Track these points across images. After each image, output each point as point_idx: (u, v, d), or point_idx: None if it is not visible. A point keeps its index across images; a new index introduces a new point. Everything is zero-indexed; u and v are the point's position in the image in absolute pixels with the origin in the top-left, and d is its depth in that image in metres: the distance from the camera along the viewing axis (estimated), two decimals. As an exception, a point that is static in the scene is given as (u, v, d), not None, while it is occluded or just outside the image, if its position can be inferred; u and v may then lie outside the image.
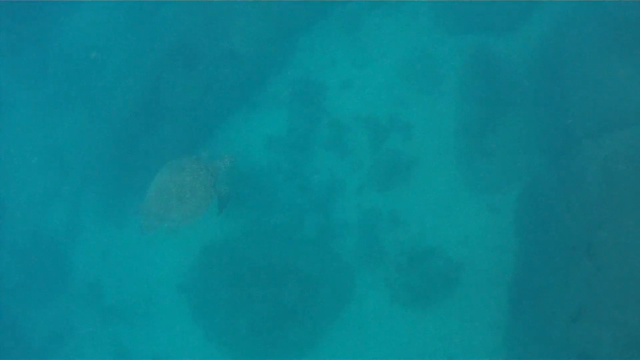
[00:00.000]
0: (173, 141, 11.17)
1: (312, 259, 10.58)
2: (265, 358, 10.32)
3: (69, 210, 12.24)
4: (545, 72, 10.56)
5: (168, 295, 11.04)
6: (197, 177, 9.59)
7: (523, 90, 10.61)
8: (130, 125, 11.69)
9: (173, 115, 11.31)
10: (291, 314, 10.27)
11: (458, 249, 10.18)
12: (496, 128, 10.53)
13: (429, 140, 10.75)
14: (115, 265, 11.68)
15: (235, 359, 10.40)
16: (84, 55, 12.43)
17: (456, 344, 9.74)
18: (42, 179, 12.55)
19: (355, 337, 10.13)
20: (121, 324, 11.27)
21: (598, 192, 8.95)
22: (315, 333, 10.24)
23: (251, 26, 11.45)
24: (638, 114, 9.41)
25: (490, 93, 10.71)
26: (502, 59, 10.86)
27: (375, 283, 10.28)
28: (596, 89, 9.94)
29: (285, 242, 10.77)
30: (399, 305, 10.13)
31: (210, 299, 10.87)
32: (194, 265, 10.93)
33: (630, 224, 8.56)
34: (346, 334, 10.14)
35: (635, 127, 9.18)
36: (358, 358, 10.09)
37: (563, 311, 8.87)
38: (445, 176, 10.60)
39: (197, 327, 10.71)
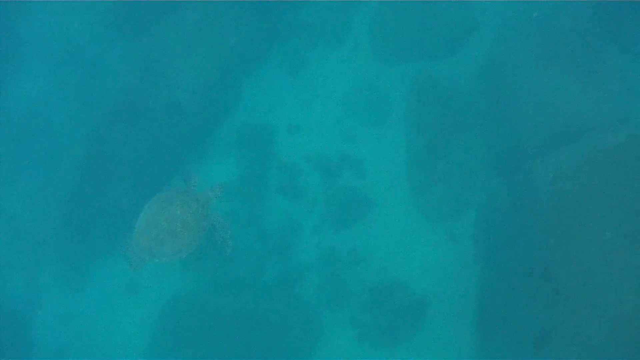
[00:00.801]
0: (123, 199, 10.94)
1: (276, 306, 10.38)
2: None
3: (28, 278, 11.93)
4: (489, 92, 10.56)
5: (135, 357, 10.73)
6: (188, 209, 9.27)
7: (470, 112, 10.57)
8: (80, 187, 11.47)
9: (120, 173, 11.11)
10: (260, 364, 10.05)
11: (421, 281, 10.02)
12: (447, 154, 10.47)
13: (382, 174, 10.65)
14: (79, 331, 11.37)
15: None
16: (27, 117, 12.24)
17: (427, 379, 9.55)
18: (-2, 249, 12.28)
19: (327, 381, 9.91)
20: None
21: (549, 212, 8.88)
22: (285, 380, 10.01)
23: (193, 75, 11.36)
24: (580, 128, 9.36)
25: (437, 119, 10.67)
26: (445, 84, 10.84)
27: (342, 324, 10.06)
28: (540, 104, 9.97)
29: (247, 290, 10.56)
30: (368, 345, 9.93)
31: (179, 356, 10.57)
32: (158, 322, 10.67)
33: (582, 242, 8.47)
34: (317, 379, 9.92)
35: (578, 142, 9.15)
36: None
37: (528, 336, 8.70)
38: (401, 208, 10.47)
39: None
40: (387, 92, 11.04)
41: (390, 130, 10.83)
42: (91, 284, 11.35)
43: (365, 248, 10.45)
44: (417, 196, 10.49)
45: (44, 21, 12.76)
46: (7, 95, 12.95)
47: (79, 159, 11.72)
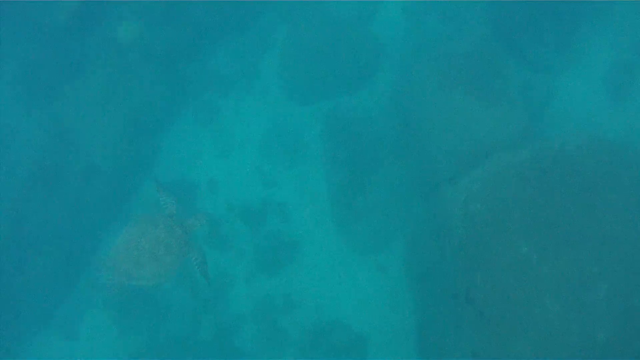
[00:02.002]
0: (44, 273, 10.65)
1: (215, 360, 10.17)
2: None
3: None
4: (400, 121, 10.77)
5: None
6: (172, 233, 8.86)
7: (384, 144, 10.74)
8: None
9: (40, 243, 10.83)
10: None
11: (357, 316, 10.04)
12: (367, 187, 10.59)
13: (306, 214, 10.68)
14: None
15: None
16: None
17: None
18: None
19: None
20: None
21: (464, 235, 9.01)
22: None
23: (108, 135, 11.22)
24: (487, 148, 9.59)
25: (354, 154, 10.81)
26: (358, 117, 11.03)
27: (283, 372, 9.94)
28: (447, 128, 10.22)
29: (185, 348, 10.31)
30: (311, 389, 9.81)
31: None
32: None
33: (499, 261, 8.62)
34: None
35: (485, 163, 9.33)
36: None
37: (462, 361, 8.77)
38: (329, 246, 10.52)
39: None
40: (302, 133, 11.12)
41: (309, 170, 10.91)
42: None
43: (298, 291, 10.43)
44: (342, 232, 10.54)
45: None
46: None
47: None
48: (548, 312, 8.40)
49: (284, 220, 10.67)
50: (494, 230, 8.86)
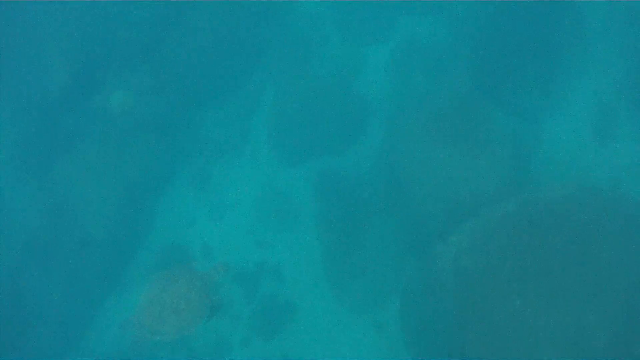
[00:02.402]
0: (42, 344, 10.65)
1: None
2: None
3: None
4: (390, 178, 10.92)
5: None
6: (192, 287, 9.21)
7: (375, 201, 10.86)
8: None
9: (40, 314, 10.87)
10: None
11: (355, 376, 9.93)
12: (360, 246, 10.67)
13: (301, 276, 10.75)
14: None
15: None
16: None
17: None
18: None
19: None
20: None
21: (457, 292, 9.02)
22: None
23: (103, 205, 11.38)
24: (475, 201, 9.69)
25: (345, 213, 10.89)
26: (348, 176, 11.18)
27: None
28: (436, 183, 10.37)
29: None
30: None
31: None
32: None
33: (493, 316, 8.61)
34: None
35: (474, 217, 9.43)
36: None
37: (462, 421, 8.66)
38: (325, 307, 10.53)
39: None
40: (294, 194, 11.27)
41: (302, 231, 11.00)
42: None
43: (296, 352, 10.40)
44: (338, 292, 10.57)
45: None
46: None
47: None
48: (546, 365, 8.33)
49: (278, 283, 10.71)
50: (486, 285, 8.88)
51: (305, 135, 11.40)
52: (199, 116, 11.89)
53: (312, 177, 11.21)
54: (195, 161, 11.75)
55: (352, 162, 11.13)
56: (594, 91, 12.21)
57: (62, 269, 11.35)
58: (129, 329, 9.18)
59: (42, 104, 11.82)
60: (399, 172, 10.59)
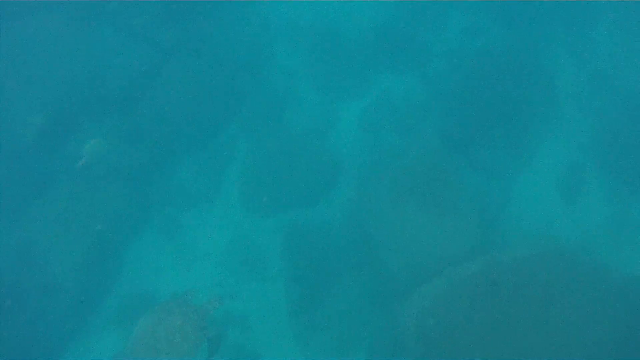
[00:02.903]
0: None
1: None
2: None
3: None
4: (358, 235, 10.98)
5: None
6: (187, 320, 9.17)
7: (343, 256, 10.98)
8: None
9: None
10: None
11: None
12: (326, 300, 10.73)
13: (267, 327, 10.76)
14: None
15: None
16: None
17: None
18: None
19: None
20: None
21: (420, 353, 9.03)
22: None
23: (71, 252, 11.35)
24: (440, 261, 9.80)
25: (313, 266, 10.93)
26: (317, 231, 11.26)
27: None
28: (402, 242, 10.50)
29: None
30: None
31: None
32: None
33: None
34: None
35: (438, 277, 9.53)
36: None
37: None
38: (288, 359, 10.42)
39: None
40: (263, 246, 11.35)
41: (270, 282, 11.07)
42: None
43: (259, 406, 10.25)
44: (303, 345, 10.54)
45: None
46: None
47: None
48: None
49: (245, 333, 10.73)
50: (448, 345, 8.92)
51: (276, 187, 11.55)
52: (172, 166, 12.00)
53: (282, 229, 11.31)
54: (166, 210, 11.81)
55: (322, 216, 11.25)
56: (562, 150, 12.51)
57: (25, 312, 11.21)
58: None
59: (15, 148, 11.86)
60: (368, 228, 10.72)
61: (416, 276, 9.91)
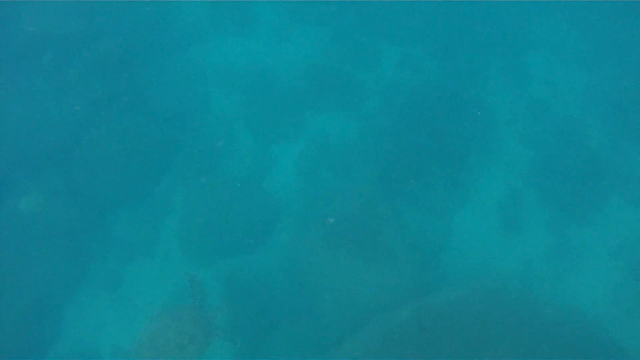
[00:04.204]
0: None
1: None
2: None
3: None
4: (295, 283, 11.15)
5: None
6: (196, 323, 9.54)
7: (281, 304, 11.03)
8: None
9: None
10: None
11: None
12: (267, 348, 10.70)
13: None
14: None
15: None
16: None
17: None
18: None
19: None
20: None
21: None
22: None
23: (5, 309, 11.21)
24: (370, 311, 9.86)
25: (253, 315, 10.99)
26: (256, 278, 11.33)
27: None
28: (336, 290, 10.55)
29: None
30: None
31: None
32: None
33: None
34: None
35: (369, 326, 9.58)
36: None
37: None
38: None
39: None
40: (203, 296, 11.28)
41: (213, 335, 10.94)
42: None
43: None
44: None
45: None
46: None
47: None
48: None
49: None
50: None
51: (215, 235, 11.60)
52: (110, 219, 11.99)
53: (222, 278, 11.38)
54: (107, 265, 11.78)
55: (260, 264, 11.33)
56: (502, 181, 12.67)
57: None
58: None
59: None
60: (305, 275, 10.85)
61: (349, 324, 9.95)
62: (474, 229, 12.06)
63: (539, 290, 11.38)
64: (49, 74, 12.99)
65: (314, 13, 14.75)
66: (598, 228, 12.38)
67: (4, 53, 13.40)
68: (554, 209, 12.70)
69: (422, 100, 13.18)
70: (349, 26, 14.63)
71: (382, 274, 10.48)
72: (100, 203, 11.96)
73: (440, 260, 11.46)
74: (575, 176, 12.89)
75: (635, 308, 11.23)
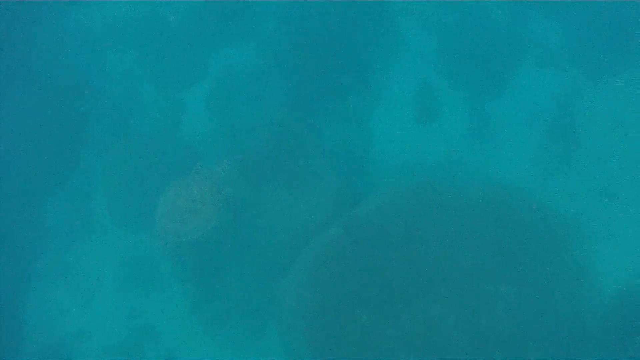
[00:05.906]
0: None
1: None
2: None
3: None
4: (231, 221, 11.33)
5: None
6: (203, 187, 10.01)
7: (222, 245, 11.45)
8: None
9: None
10: None
11: None
12: (222, 290, 11.40)
13: (178, 332, 11.32)
14: None
15: None
16: None
17: None
18: None
19: None
20: None
21: (306, 328, 9.67)
22: None
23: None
24: (304, 235, 10.29)
25: (201, 260, 11.48)
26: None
27: None
28: (270, 222, 11.21)
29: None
30: None
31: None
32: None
33: (343, 344, 9.33)
34: None
35: (305, 250, 10.10)
36: None
37: None
38: (205, 349, 11.15)
39: None
40: (150, 257, 11.87)
41: (167, 290, 11.51)
42: None
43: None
44: (213, 334, 11.30)
45: None
46: None
47: None
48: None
49: (157, 343, 11.25)
50: (331, 313, 9.53)
51: (143, 197, 11.62)
52: (39, 208, 11.97)
53: (169, 249, 11.50)
54: (48, 254, 11.89)
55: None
56: (412, 74, 12.63)
57: None
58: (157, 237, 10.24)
59: None
60: (238, 212, 10.98)
61: (288, 252, 10.33)
62: (392, 129, 12.20)
63: (464, 173, 11.68)
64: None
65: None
66: (512, 99, 12.51)
67: None
68: (466, 90, 12.74)
69: (317, 12, 12.82)
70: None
71: (309, 197, 10.71)
72: (25, 194, 11.85)
73: (365, 168, 11.68)
74: (482, 54, 12.87)
75: (554, 168, 11.67)
